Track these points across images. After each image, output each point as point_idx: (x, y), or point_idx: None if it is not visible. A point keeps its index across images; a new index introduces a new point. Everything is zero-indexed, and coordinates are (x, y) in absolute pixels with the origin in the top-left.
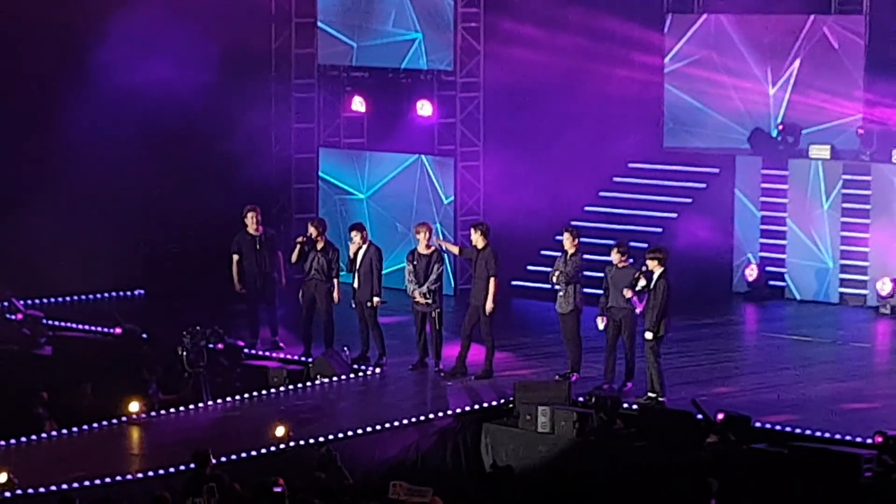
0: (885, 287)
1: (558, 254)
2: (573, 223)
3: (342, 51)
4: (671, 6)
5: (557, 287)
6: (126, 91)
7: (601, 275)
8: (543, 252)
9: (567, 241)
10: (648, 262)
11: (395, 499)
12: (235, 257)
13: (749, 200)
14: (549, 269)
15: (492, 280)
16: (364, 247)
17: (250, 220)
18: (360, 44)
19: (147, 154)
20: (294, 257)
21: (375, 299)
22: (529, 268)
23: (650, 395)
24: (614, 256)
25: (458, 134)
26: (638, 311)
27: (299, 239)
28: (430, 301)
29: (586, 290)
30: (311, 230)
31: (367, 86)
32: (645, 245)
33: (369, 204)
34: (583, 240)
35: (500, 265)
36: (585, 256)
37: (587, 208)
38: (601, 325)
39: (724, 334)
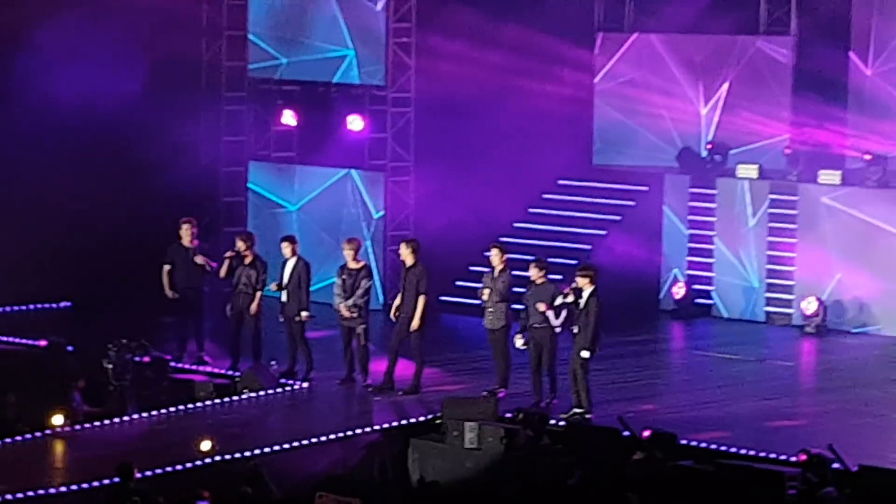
0: (810, 306)
1: (486, 269)
2: (501, 239)
3: (273, 65)
4: (602, 25)
5: (486, 303)
6: (51, 100)
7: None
8: (472, 268)
9: (495, 257)
10: (578, 280)
11: None
12: (167, 267)
13: (678, 218)
14: (477, 285)
15: (421, 297)
16: (293, 260)
17: (185, 233)
18: (291, 58)
19: (74, 165)
20: (223, 272)
21: (304, 314)
22: (458, 283)
23: (576, 410)
24: (532, 272)
25: (388, 149)
26: (554, 324)
27: (228, 254)
28: (355, 315)
29: (514, 306)
30: (240, 244)
31: (298, 99)
32: (574, 262)
33: (299, 217)
34: (511, 256)
35: (430, 283)
36: (514, 273)
37: (516, 224)
38: (519, 343)
39: (650, 352)
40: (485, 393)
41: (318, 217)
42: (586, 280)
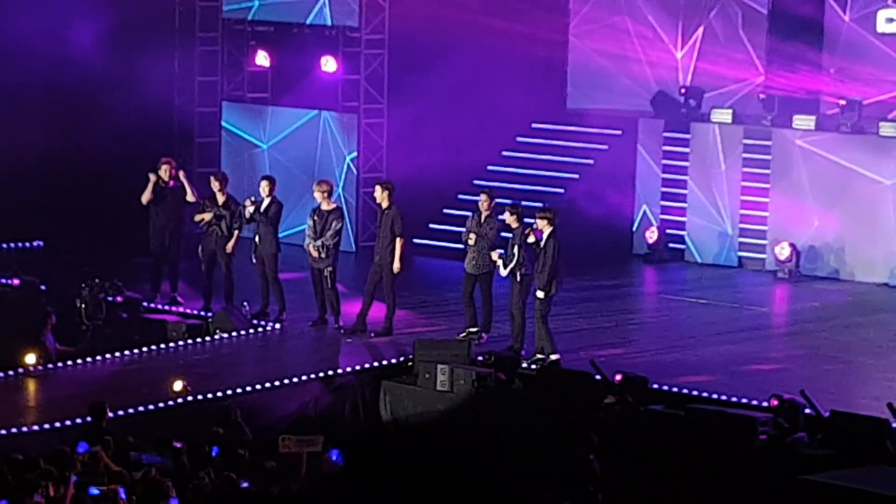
0: (783, 252)
1: (461, 213)
2: (475, 182)
3: (246, 6)
4: None
5: (470, 248)
6: (22, 41)
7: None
8: (446, 210)
9: (483, 202)
10: (538, 221)
11: (286, 452)
12: (153, 177)
13: (652, 162)
14: (451, 228)
15: (398, 240)
16: (267, 201)
17: (164, 173)
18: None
19: (47, 107)
20: (197, 218)
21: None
22: (432, 226)
23: (538, 356)
24: (507, 217)
25: (361, 91)
26: (503, 273)
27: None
28: (324, 256)
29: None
30: (214, 183)
31: (272, 41)
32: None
33: (270, 155)
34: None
35: (405, 224)
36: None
37: (490, 167)
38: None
39: (623, 296)
40: (462, 335)
41: (290, 157)
42: (545, 222)
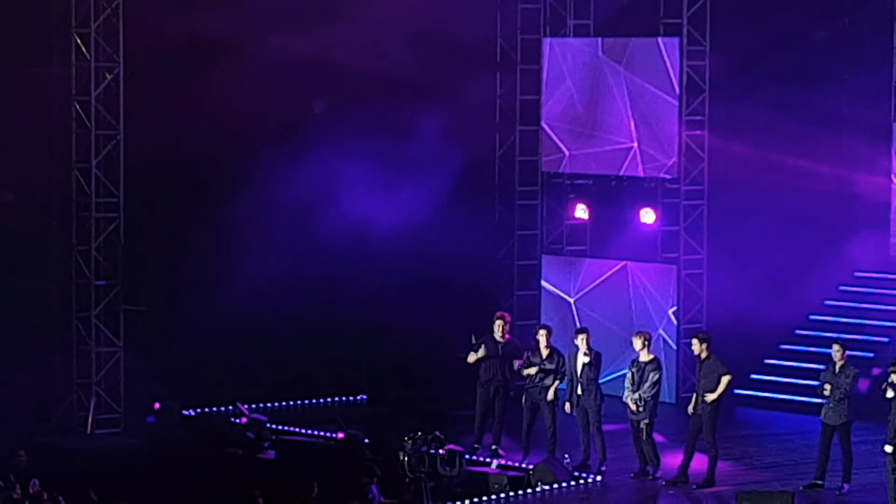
0: None
1: (782, 362)
2: (797, 332)
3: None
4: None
5: (828, 399)
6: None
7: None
8: (767, 360)
9: (837, 353)
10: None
11: None
12: (474, 356)
13: None
14: (772, 378)
15: (725, 377)
16: (585, 352)
17: (498, 328)
18: (575, 151)
19: (370, 263)
20: (525, 373)
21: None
22: (753, 376)
23: None
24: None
25: (682, 241)
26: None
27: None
28: (642, 409)
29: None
30: (541, 336)
31: (588, 193)
32: (871, 355)
33: (577, 307)
34: (809, 349)
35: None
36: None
37: (811, 317)
38: None
39: None
40: (802, 487)
41: (597, 308)
42: None
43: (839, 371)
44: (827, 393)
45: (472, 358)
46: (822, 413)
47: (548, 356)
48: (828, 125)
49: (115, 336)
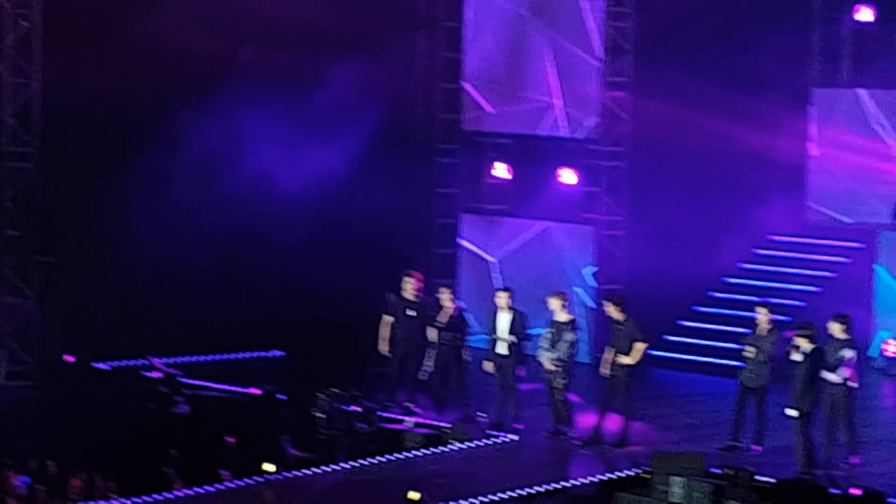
0: None
1: (696, 325)
2: (711, 294)
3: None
4: (817, 81)
5: (749, 362)
6: (269, 168)
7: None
8: (681, 322)
9: (763, 317)
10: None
11: None
12: (387, 319)
13: (891, 277)
14: (687, 340)
15: (640, 343)
16: (508, 312)
17: (409, 286)
18: (500, 109)
19: (282, 219)
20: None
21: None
22: (667, 337)
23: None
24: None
25: (601, 202)
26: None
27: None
28: (558, 369)
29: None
30: (444, 295)
31: (510, 152)
32: (786, 319)
33: (500, 267)
34: (722, 311)
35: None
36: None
37: (725, 279)
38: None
39: (860, 409)
40: (724, 446)
41: (520, 269)
42: (805, 339)
43: (767, 334)
44: (750, 355)
45: (384, 332)
46: (742, 375)
47: (458, 315)
48: (748, 89)
49: (26, 286)
